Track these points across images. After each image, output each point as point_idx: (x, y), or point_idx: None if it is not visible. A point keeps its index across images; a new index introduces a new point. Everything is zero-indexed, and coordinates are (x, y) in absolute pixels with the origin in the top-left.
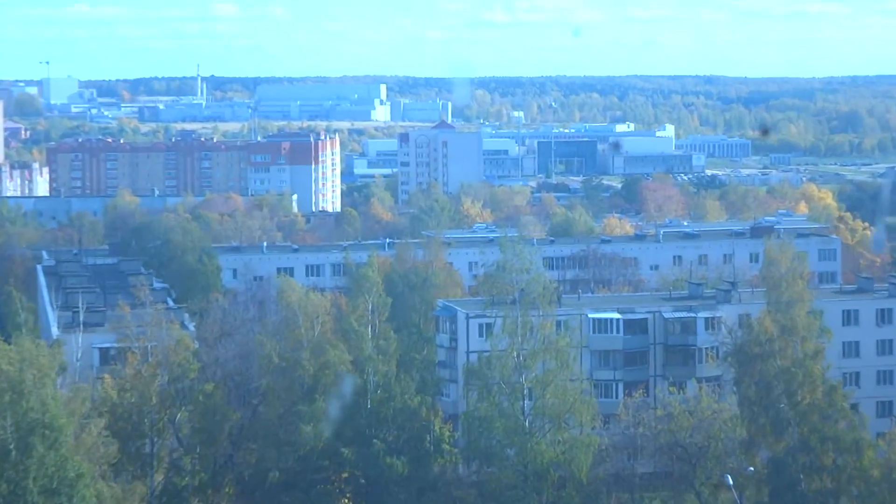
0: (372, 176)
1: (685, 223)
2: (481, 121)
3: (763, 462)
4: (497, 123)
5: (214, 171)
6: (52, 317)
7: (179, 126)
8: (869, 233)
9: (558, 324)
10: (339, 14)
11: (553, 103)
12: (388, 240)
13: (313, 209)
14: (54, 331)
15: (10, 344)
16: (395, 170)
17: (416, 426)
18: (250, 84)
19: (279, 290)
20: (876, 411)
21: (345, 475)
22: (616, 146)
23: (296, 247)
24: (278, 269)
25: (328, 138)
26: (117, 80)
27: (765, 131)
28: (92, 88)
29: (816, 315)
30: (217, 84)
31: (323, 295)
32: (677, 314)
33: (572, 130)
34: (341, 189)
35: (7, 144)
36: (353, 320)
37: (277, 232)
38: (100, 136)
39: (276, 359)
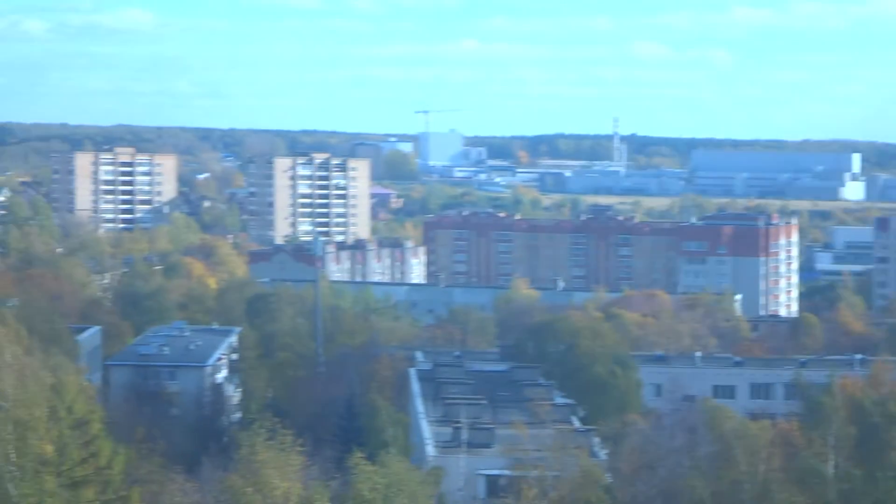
0: (839, 273)
1: None
2: None
3: None
4: None
5: (635, 260)
6: (427, 433)
7: (591, 199)
8: None
9: None
10: (799, 61)
11: None
12: (858, 356)
13: (761, 313)
14: (430, 451)
15: (375, 465)
16: (869, 266)
17: None
18: (682, 147)
19: (709, 415)
20: None
21: None
22: None
23: (738, 359)
24: (715, 388)
25: (783, 223)
26: (512, 137)
27: None
28: (480, 147)
29: None
30: (640, 146)
31: (771, 423)
32: None
33: None
34: (798, 289)
35: (374, 215)
36: (811, 457)
37: (712, 339)
38: (489, 210)
39: (710, 502)
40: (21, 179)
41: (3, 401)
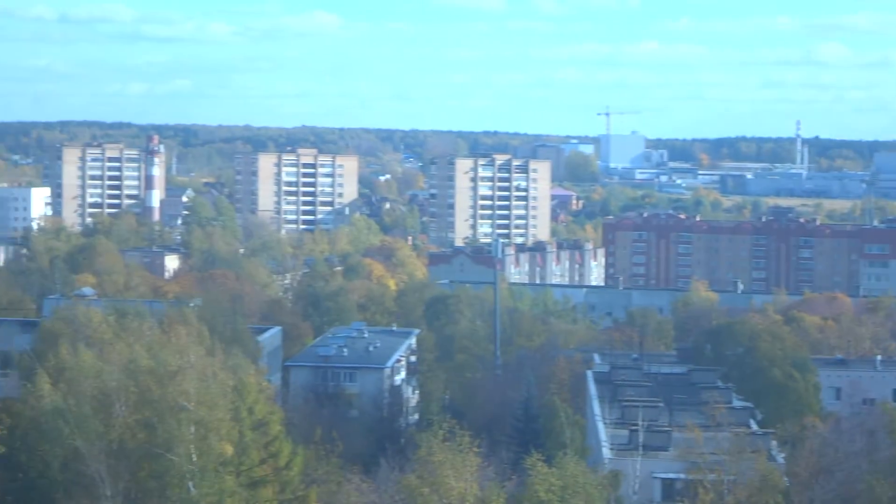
0: None
1: None
2: None
3: None
4: None
5: (816, 263)
6: (603, 435)
7: (771, 201)
8: None
9: None
10: None
11: None
12: None
13: None
14: (606, 453)
15: (551, 467)
16: None
17: None
18: (865, 150)
19: (889, 418)
20: None
21: None
22: None
23: None
24: (894, 392)
25: None
26: (694, 140)
27: None
28: (662, 149)
29: None
30: (822, 149)
31: None
32: None
33: None
34: None
35: (554, 216)
36: None
37: (894, 343)
38: (670, 211)
39: None
40: (205, 180)
41: (186, 401)
